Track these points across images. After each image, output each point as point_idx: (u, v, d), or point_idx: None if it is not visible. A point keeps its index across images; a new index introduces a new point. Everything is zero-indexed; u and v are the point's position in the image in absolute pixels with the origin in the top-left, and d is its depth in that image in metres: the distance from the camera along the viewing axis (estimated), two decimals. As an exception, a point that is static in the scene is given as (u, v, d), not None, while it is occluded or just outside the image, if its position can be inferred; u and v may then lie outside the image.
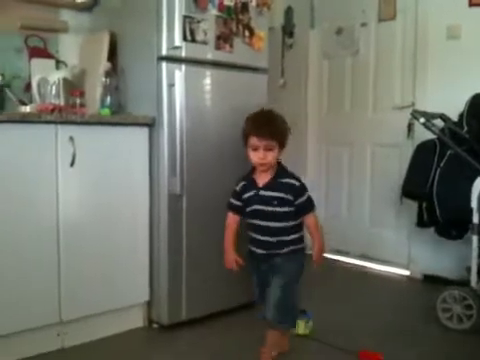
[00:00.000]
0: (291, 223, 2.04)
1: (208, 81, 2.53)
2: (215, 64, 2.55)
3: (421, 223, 2.87)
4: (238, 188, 2.10)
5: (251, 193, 2.05)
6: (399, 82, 3.55)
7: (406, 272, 3.54)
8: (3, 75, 2.49)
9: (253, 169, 2.08)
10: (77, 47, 2.78)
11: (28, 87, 2.59)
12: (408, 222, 3.35)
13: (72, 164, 2.20)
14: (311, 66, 4.12)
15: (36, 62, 2.65)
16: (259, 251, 2.07)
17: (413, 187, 2.83)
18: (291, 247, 2.06)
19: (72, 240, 2.23)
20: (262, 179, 2.04)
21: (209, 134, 2.55)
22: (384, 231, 3.67)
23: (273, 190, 2.01)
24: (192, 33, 2.43)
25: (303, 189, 2.04)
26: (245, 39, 2.64)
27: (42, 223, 2.16)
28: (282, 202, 2.00)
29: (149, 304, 2.53)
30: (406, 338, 2.45)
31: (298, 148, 4.15)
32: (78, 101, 2.38)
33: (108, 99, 2.46)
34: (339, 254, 3.93)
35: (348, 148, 3.91)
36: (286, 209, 2.01)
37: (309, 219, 2.06)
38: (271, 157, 1.99)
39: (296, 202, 2.01)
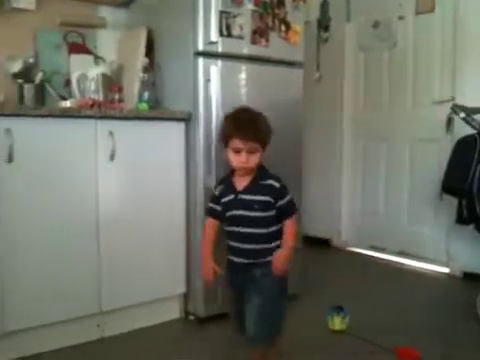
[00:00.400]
0: (273, 229, 1.83)
1: (244, 76, 2.53)
2: (251, 59, 2.55)
3: (460, 220, 2.81)
4: (217, 192, 1.90)
5: (230, 197, 1.84)
6: (438, 76, 3.48)
7: (445, 269, 3.47)
8: (44, 71, 2.55)
9: (232, 172, 1.88)
10: (115, 43, 2.82)
11: (68, 82, 2.64)
12: (447, 219, 3.29)
13: (111, 158, 2.24)
14: (347, 60, 4.07)
15: (75, 58, 2.70)
16: (239, 260, 1.84)
17: (453, 183, 2.77)
18: (270, 258, 1.82)
19: (111, 233, 2.28)
20: (241, 182, 1.84)
21: (245, 128, 2.55)
22: (423, 228, 3.60)
23: (254, 193, 1.81)
24: (228, 28, 2.43)
25: (284, 191, 1.84)
26: (281, 33, 2.64)
27: (83, 216, 2.21)
28: (264, 206, 1.80)
29: (186, 296, 2.56)
30: (445, 336, 2.41)
31: (333, 144, 4.12)
32: (117, 96, 2.42)
33: (146, 94, 2.49)
34: (376, 250, 3.89)
35: (386, 143, 3.85)
36: (268, 213, 1.81)
37: (287, 223, 1.84)
38: (254, 161, 1.79)
39: (277, 204, 1.81)
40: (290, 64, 2.71)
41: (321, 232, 4.13)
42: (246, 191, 1.82)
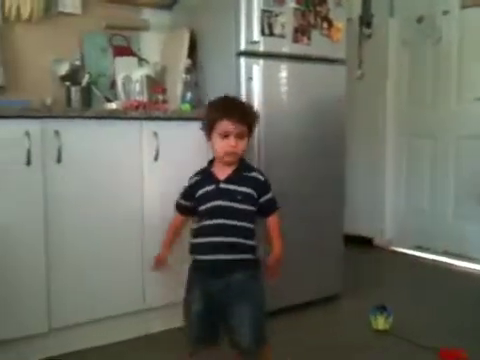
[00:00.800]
0: (251, 225, 1.71)
1: (285, 74, 2.53)
2: (292, 57, 2.55)
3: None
4: (188, 185, 1.80)
5: (210, 188, 1.71)
6: (484, 71, 3.39)
7: (492, 270, 3.38)
8: (90, 73, 2.62)
9: (211, 163, 1.78)
10: (158, 45, 2.87)
11: (113, 84, 2.70)
12: (495, 217, 3.20)
13: (156, 158, 2.28)
14: (390, 56, 4.00)
15: (120, 60, 2.75)
16: (215, 257, 1.66)
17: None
18: (251, 256, 1.70)
19: (155, 231, 2.30)
20: (223, 172, 1.72)
21: (287, 127, 2.55)
22: (469, 226, 3.52)
23: (237, 184, 1.70)
24: (270, 27, 2.44)
25: (268, 185, 1.76)
26: (323, 31, 2.62)
27: (128, 215, 2.26)
28: (247, 198, 1.69)
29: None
30: (493, 338, 2.35)
31: (376, 141, 4.06)
32: (160, 97, 2.46)
33: (188, 95, 2.53)
34: (420, 250, 3.81)
35: (430, 140, 3.77)
36: (249, 207, 1.70)
37: (273, 220, 1.76)
38: (242, 147, 1.69)
39: (261, 199, 1.72)
40: (332, 61, 2.69)
41: (364, 231, 4.08)
42: (229, 181, 1.70)
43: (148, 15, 2.92)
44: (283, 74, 2.52)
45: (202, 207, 1.72)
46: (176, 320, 2.41)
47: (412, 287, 3.11)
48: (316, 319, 2.56)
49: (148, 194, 2.29)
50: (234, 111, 1.67)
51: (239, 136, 1.67)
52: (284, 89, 2.53)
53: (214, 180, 1.72)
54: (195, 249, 1.74)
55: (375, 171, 4.07)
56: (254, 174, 1.75)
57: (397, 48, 3.96)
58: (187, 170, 2.36)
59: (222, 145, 1.68)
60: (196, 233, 1.74)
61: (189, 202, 1.79)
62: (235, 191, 1.69)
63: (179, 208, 1.86)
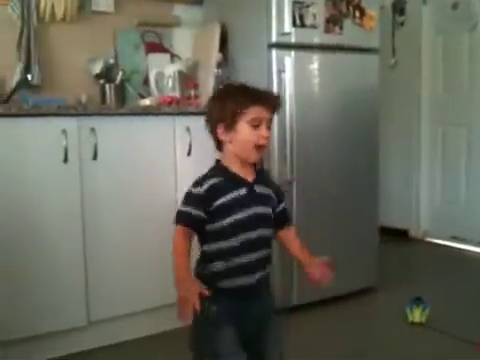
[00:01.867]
0: None
1: (317, 65, 2.52)
2: (324, 47, 2.53)
3: None
4: (203, 189, 1.35)
5: (240, 193, 1.37)
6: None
7: None
8: (123, 71, 2.65)
9: (218, 162, 1.44)
10: (190, 40, 2.88)
11: (146, 81, 2.73)
12: None
13: (188, 153, 2.30)
14: (424, 44, 3.92)
15: (152, 57, 2.78)
16: (252, 279, 1.37)
17: None
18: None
19: (190, 225, 2.34)
20: (246, 173, 1.40)
21: (319, 119, 2.54)
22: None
23: (265, 185, 1.44)
24: (301, 18, 2.42)
25: (283, 192, 1.53)
26: (356, 20, 2.59)
27: (162, 210, 2.27)
28: (273, 203, 1.45)
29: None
30: None
31: (411, 130, 3.99)
32: (193, 93, 2.48)
33: (220, 89, 2.53)
34: (456, 241, 3.74)
35: (466, 128, 3.69)
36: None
37: (292, 231, 1.53)
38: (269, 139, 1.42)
39: (279, 208, 1.47)
40: (365, 51, 2.66)
41: (398, 223, 4.02)
42: (259, 183, 1.42)
43: (179, 11, 2.93)
44: (315, 65, 2.51)
45: (229, 219, 1.35)
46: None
47: (448, 279, 3.06)
48: (352, 312, 2.55)
49: (181, 189, 2.30)
50: (267, 95, 1.40)
51: (268, 126, 1.38)
52: (316, 80, 2.52)
53: (243, 183, 1.39)
54: (220, 275, 1.37)
55: (410, 161, 4.01)
56: (271, 177, 1.55)
57: (431, 35, 3.88)
58: (220, 164, 2.40)
59: (253, 136, 1.36)
60: (220, 254, 1.38)
61: (203, 212, 1.36)
62: (268, 195, 1.44)
63: (189, 219, 1.37)
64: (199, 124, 2.33)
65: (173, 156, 2.29)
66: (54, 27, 2.57)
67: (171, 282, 2.38)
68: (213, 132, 1.41)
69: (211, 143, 2.36)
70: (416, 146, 3.98)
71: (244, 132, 1.36)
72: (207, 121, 1.43)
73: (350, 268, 2.60)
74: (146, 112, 2.24)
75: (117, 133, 2.17)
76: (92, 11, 2.65)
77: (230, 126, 1.37)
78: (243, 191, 1.38)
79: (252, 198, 1.39)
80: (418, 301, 2.39)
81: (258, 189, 1.41)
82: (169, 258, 2.29)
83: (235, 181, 1.39)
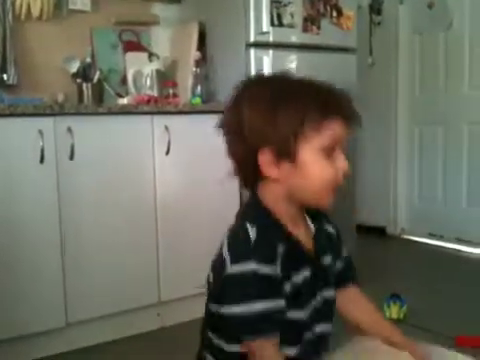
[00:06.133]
0: None
1: (295, 64, 2.53)
2: (302, 47, 2.54)
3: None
4: (271, 269, 0.86)
5: (305, 273, 0.93)
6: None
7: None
8: (101, 70, 2.63)
9: (259, 205, 0.94)
10: (168, 39, 2.87)
11: (124, 80, 2.71)
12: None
13: (167, 152, 2.30)
14: (401, 43, 3.96)
15: (130, 55, 2.76)
16: None
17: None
18: None
19: (169, 225, 2.34)
20: (296, 226, 0.95)
21: (298, 118, 2.55)
22: (483, 213, 3.50)
23: (326, 252, 1.01)
24: (279, 17, 2.43)
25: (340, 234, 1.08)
26: (333, 19, 2.61)
27: (141, 209, 2.28)
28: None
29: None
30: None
31: (388, 129, 4.04)
32: (171, 91, 2.48)
33: (198, 88, 2.53)
34: (433, 238, 3.80)
35: (442, 127, 3.74)
36: None
37: (358, 290, 1.12)
38: None
39: (338, 262, 1.07)
40: (342, 50, 2.69)
41: (376, 220, 4.06)
42: (321, 249, 0.99)
43: (157, 10, 2.92)
44: (293, 64, 2.52)
45: (293, 313, 0.90)
46: (190, 313, 2.45)
47: (426, 275, 3.10)
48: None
49: (160, 188, 2.31)
50: (346, 99, 0.95)
51: (342, 149, 0.93)
52: (294, 80, 2.53)
53: (303, 253, 0.94)
54: None
55: (387, 159, 4.05)
56: (325, 225, 1.05)
57: (408, 34, 3.92)
58: (198, 163, 2.40)
59: (329, 172, 0.89)
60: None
61: (282, 300, 0.88)
62: (331, 267, 1.01)
63: (271, 323, 0.86)
64: (178, 123, 2.35)
65: (151, 155, 2.28)
66: (30, 26, 2.53)
67: (150, 283, 2.38)
68: (246, 157, 0.90)
69: (190, 142, 2.38)
70: (393, 144, 4.02)
71: (314, 166, 0.88)
72: (229, 134, 0.93)
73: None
74: (124, 111, 2.23)
75: (95, 133, 2.15)
76: (69, 10, 2.62)
77: (286, 154, 0.86)
78: (307, 271, 0.92)
79: (316, 281, 0.95)
80: (395, 298, 2.42)
81: (325, 261, 0.98)
82: (149, 258, 2.30)
83: (296, 249, 0.91)
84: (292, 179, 0.88)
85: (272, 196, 0.91)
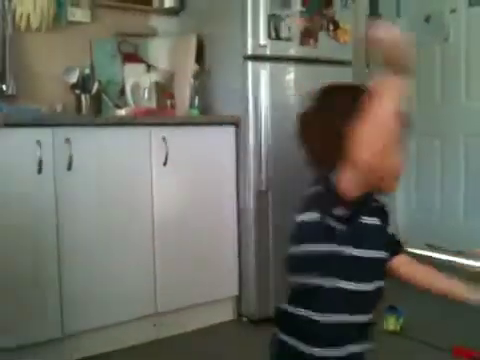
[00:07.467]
0: None
1: (293, 77, 2.55)
2: (299, 60, 2.56)
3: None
4: None
5: None
6: (493, 69, 3.37)
7: (504, 268, 3.36)
8: (100, 81, 2.65)
9: (333, 197, 1.02)
10: (166, 51, 2.89)
11: (122, 91, 2.72)
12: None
13: (165, 163, 2.31)
14: (398, 56, 3.99)
15: (129, 67, 2.78)
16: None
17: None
18: None
19: (166, 236, 2.34)
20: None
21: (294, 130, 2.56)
22: (480, 225, 3.51)
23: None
24: (276, 30, 2.46)
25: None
26: (330, 33, 2.63)
27: (139, 220, 2.28)
28: None
29: (239, 298, 2.60)
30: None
31: (385, 141, 4.05)
32: (169, 103, 2.49)
33: (196, 100, 2.55)
34: (431, 249, 3.80)
35: (440, 139, 3.76)
36: None
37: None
38: None
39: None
40: (339, 63, 2.70)
41: (374, 231, 4.06)
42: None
43: (156, 22, 2.94)
44: (290, 77, 2.54)
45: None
46: (186, 324, 2.45)
47: (423, 287, 3.10)
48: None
49: (158, 199, 2.31)
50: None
51: None
52: (291, 92, 2.55)
53: None
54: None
55: (385, 171, 4.06)
56: None
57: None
58: (196, 174, 2.41)
59: (398, 163, 1.07)
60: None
61: None
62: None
63: None
64: (176, 134, 2.36)
65: (149, 166, 2.29)
66: (30, 37, 2.55)
67: (147, 294, 2.38)
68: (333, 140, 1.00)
69: (187, 153, 2.39)
70: (391, 156, 4.03)
71: (391, 158, 1.01)
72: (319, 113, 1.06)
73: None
74: (122, 122, 2.24)
75: (93, 144, 2.16)
76: (68, 21, 2.63)
77: (383, 151, 0.95)
78: None
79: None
80: (392, 309, 2.42)
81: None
82: (146, 268, 2.30)
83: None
84: (381, 166, 0.94)
85: (349, 182, 0.97)
